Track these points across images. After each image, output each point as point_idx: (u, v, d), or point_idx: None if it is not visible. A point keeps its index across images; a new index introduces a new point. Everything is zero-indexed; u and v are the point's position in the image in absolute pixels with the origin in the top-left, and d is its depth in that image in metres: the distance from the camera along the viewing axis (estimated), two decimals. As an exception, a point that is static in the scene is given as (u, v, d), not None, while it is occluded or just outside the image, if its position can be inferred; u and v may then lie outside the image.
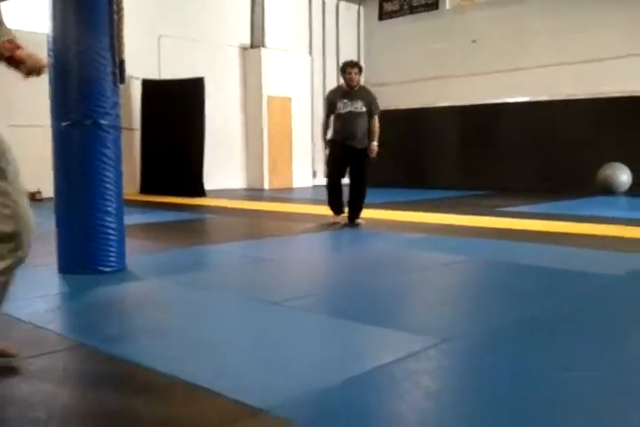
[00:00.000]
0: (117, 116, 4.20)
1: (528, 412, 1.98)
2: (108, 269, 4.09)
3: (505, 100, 13.39)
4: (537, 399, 2.07)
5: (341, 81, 7.03)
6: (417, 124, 14.55)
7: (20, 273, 2.36)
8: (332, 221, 6.87)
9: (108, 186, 4.10)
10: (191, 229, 6.97)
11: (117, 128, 4.20)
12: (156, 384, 2.22)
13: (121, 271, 4.15)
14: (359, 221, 6.83)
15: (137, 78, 11.59)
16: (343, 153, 6.71)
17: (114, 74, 4.13)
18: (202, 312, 3.26)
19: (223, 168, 13.06)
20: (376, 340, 2.79)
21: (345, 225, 6.76)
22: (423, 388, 2.22)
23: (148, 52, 11.80)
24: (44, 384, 2.24)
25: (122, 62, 4.20)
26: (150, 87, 11.69)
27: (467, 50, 13.81)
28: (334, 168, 6.84)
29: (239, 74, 13.69)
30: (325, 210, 7.14)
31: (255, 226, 7.33)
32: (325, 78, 15.12)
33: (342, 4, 15.64)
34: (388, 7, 15.36)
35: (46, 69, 2.16)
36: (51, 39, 4.08)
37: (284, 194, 12.21)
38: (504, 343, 2.71)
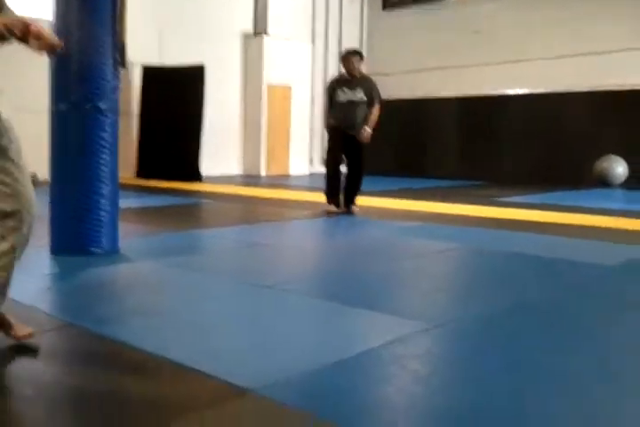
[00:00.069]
0: (116, 100, 4.21)
1: (516, 396, 2.01)
2: (100, 251, 4.12)
3: (505, 92, 13.38)
4: (526, 384, 2.10)
5: (343, 70, 7.01)
6: (417, 114, 14.53)
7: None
8: (327, 209, 6.88)
9: (104, 168, 4.11)
10: (186, 214, 6.99)
11: (116, 112, 4.21)
12: (145, 365, 2.24)
13: (114, 253, 4.17)
14: (354, 208, 6.85)
15: (137, 64, 11.56)
16: (342, 140, 6.72)
17: (114, 58, 4.14)
18: (194, 295, 3.29)
19: (221, 154, 13.06)
20: (367, 324, 2.82)
21: (340, 212, 6.77)
22: (412, 372, 2.25)
23: (149, 38, 11.75)
24: (33, 363, 2.27)
25: (122, 46, 4.21)
26: (150, 73, 11.64)
27: (469, 41, 13.76)
28: (334, 155, 6.85)
29: (240, 61, 13.64)
30: (321, 197, 7.15)
31: (250, 211, 7.35)
32: (327, 67, 15.07)
33: (346, -7, 15.57)
34: (393, -3, 15.30)
35: (59, 49, 2.16)
36: (54, 24, 4.09)
37: (281, 181, 12.22)
38: (495, 330, 2.74)
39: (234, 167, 13.70)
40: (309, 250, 4.91)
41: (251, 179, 12.57)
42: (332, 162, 6.88)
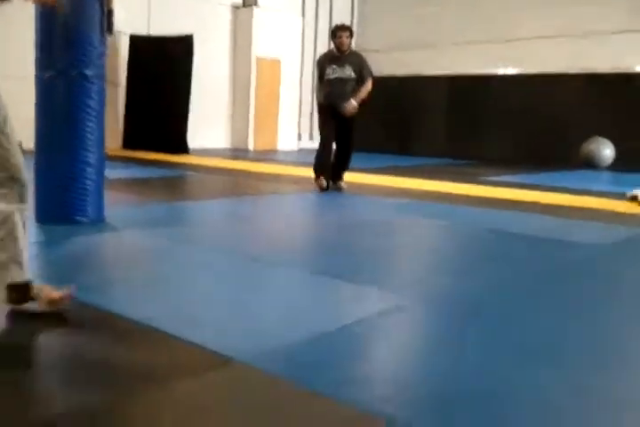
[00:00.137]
0: (103, 66, 4.14)
1: (500, 369, 2.02)
2: (86, 220, 4.08)
3: (495, 72, 13.33)
4: (510, 358, 2.12)
5: (332, 45, 6.92)
6: (406, 91, 14.46)
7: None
8: (316, 184, 6.81)
9: (90, 136, 4.06)
10: (173, 185, 6.94)
11: (102, 79, 4.14)
12: (130, 333, 2.23)
13: (99, 223, 4.14)
14: (342, 184, 6.82)
15: (125, 33, 11.38)
16: (333, 117, 6.66)
17: (101, 24, 4.06)
18: (179, 265, 3.27)
19: (208, 127, 12.96)
20: (353, 296, 2.82)
21: (328, 188, 6.74)
22: (396, 344, 2.27)
23: (138, 7, 11.57)
24: (17, 329, 2.26)
25: (110, 12, 4.12)
26: (138, 43, 11.49)
27: (460, 18, 13.67)
28: (326, 131, 6.77)
29: (229, 33, 13.48)
30: (309, 172, 7.12)
31: (238, 185, 7.31)
32: (316, 42, 14.93)
33: (338, -34, 15.38)
34: (384, -29, 15.11)
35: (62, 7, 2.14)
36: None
37: (268, 155, 12.16)
38: (481, 305, 2.75)
39: (221, 141, 13.61)
40: (297, 224, 4.89)
41: (238, 152, 12.50)
42: (324, 138, 6.81)
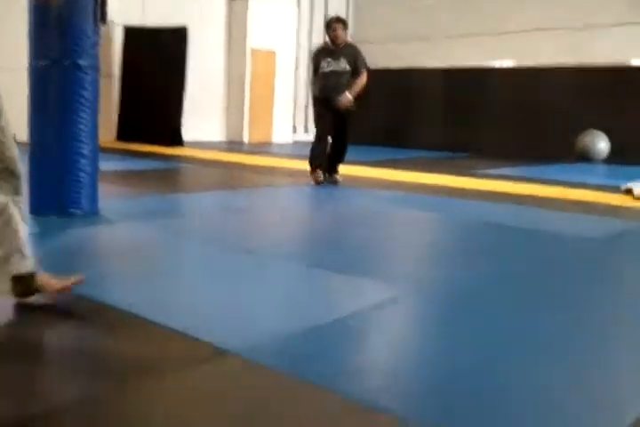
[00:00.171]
0: (97, 56, 4.10)
1: (494, 359, 2.02)
2: (80, 212, 4.05)
3: (491, 64, 13.31)
4: (504, 349, 2.11)
5: (327, 38, 6.86)
6: (402, 84, 14.42)
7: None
8: (311, 177, 6.76)
9: (84, 128, 4.03)
10: (167, 178, 6.92)
11: (96, 69, 4.10)
12: (125, 325, 2.22)
13: (93, 215, 4.11)
14: (337, 177, 6.81)
15: (119, 25, 11.30)
16: (328, 109, 6.62)
17: (94, 13, 4.02)
18: (173, 257, 3.26)
19: (203, 120, 12.90)
20: (348, 289, 2.81)
21: (323, 181, 6.72)
22: (391, 336, 2.26)
23: (131, -2, 11.50)
24: (13, 321, 2.25)
25: (103, 1, 4.08)
26: (132, 34, 11.41)
27: (456, 10, 13.63)
28: (322, 124, 6.73)
29: (224, 24, 13.39)
30: (304, 165, 7.09)
31: (233, 177, 7.29)
32: (312, 33, 14.86)
33: (333, -43, 15.29)
34: (380, -38, 15.04)
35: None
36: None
37: (263, 148, 12.13)
38: (473, 296, 2.74)
39: (216, 133, 13.56)
40: (292, 217, 4.88)
41: (233, 145, 12.46)
42: (320, 131, 6.77)
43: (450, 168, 9.14)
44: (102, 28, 4.14)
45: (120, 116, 11.64)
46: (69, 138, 4.00)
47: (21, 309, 2.33)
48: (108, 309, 2.34)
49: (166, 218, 4.32)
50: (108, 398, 1.66)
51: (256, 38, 13.36)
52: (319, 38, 13.53)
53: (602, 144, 11.22)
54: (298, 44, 14.46)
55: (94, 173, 4.17)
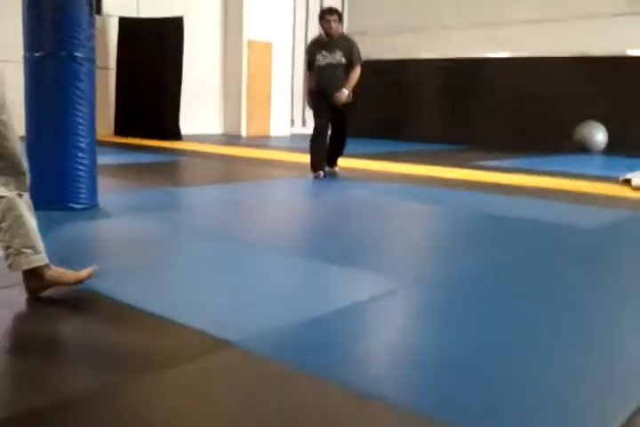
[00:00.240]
0: (92, 48, 4.07)
1: (489, 348, 2.02)
2: (79, 206, 4.04)
3: (488, 55, 13.26)
4: (500, 335, 2.12)
5: (321, 30, 6.79)
6: (398, 75, 14.38)
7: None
8: (311, 170, 6.70)
9: (81, 121, 4.00)
10: (166, 172, 6.89)
11: (92, 61, 4.07)
12: (126, 318, 2.22)
13: (92, 209, 4.10)
14: (336, 169, 6.79)
15: (113, 16, 11.24)
16: (325, 102, 6.58)
17: (89, 4, 3.99)
18: (174, 250, 3.25)
19: (200, 113, 12.85)
20: (347, 280, 2.81)
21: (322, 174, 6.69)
22: (391, 327, 2.26)
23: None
24: (13, 315, 2.24)
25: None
26: (127, 26, 11.31)
27: (453, 0, 13.57)
28: (320, 117, 6.69)
29: (220, 15, 13.31)
30: (303, 158, 7.07)
31: (231, 171, 7.27)
32: (308, 24, 14.78)
33: (329, -52, 15.19)
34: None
35: None
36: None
37: (261, 141, 12.10)
38: (472, 286, 2.75)
39: (214, 126, 13.52)
40: (291, 209, 4.86)
41: (231, 138, 12.43)
42: (319, 124, 6.73)
43: (448, 160, 9.12)
44: (97, 19, 4.10)
45: (117, 111, 11.58)
46: (67, 131, 3.98)
47: (33, 303, 2.34)
48: (110, 302, 2.34)
49: (166, 211, 4.30)
50: (113, 391, 1.66)
51: (252, 30, 13.28)
52: (315, 30, 13.45)
53: (600, 135, 11.20)
54: (294, 36, 14.39)
55: (93, 166, 4.15)
